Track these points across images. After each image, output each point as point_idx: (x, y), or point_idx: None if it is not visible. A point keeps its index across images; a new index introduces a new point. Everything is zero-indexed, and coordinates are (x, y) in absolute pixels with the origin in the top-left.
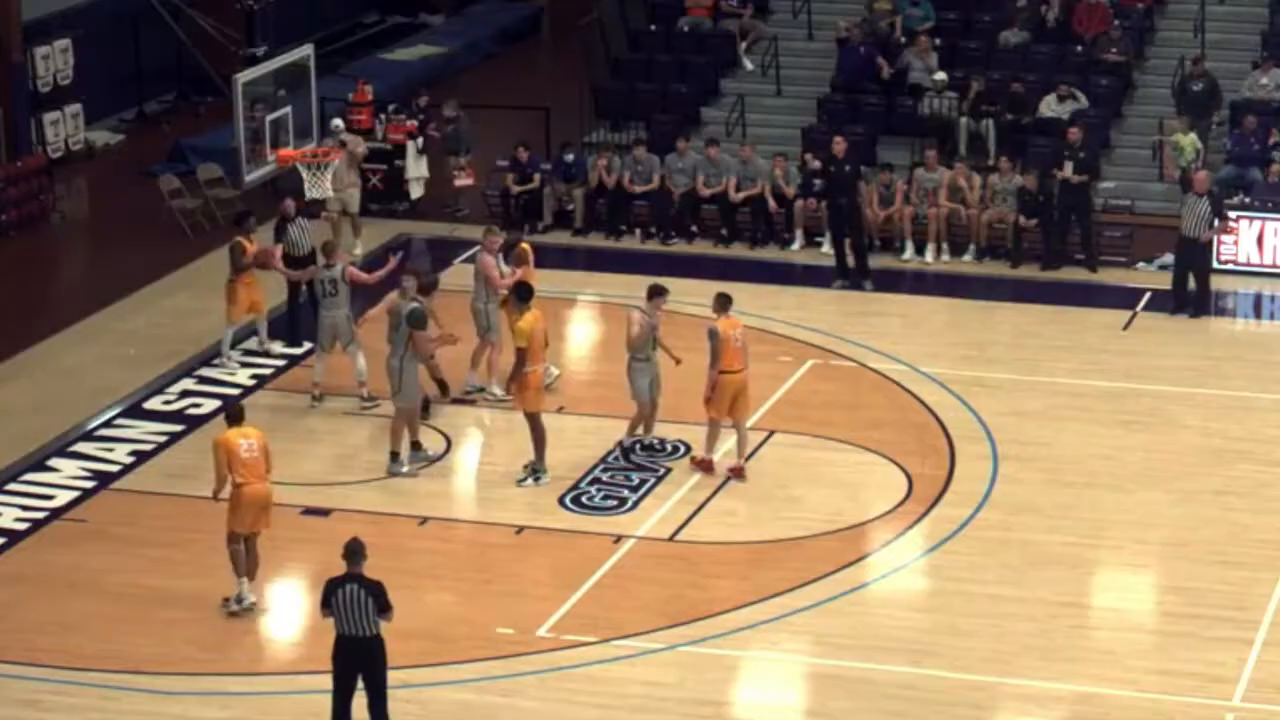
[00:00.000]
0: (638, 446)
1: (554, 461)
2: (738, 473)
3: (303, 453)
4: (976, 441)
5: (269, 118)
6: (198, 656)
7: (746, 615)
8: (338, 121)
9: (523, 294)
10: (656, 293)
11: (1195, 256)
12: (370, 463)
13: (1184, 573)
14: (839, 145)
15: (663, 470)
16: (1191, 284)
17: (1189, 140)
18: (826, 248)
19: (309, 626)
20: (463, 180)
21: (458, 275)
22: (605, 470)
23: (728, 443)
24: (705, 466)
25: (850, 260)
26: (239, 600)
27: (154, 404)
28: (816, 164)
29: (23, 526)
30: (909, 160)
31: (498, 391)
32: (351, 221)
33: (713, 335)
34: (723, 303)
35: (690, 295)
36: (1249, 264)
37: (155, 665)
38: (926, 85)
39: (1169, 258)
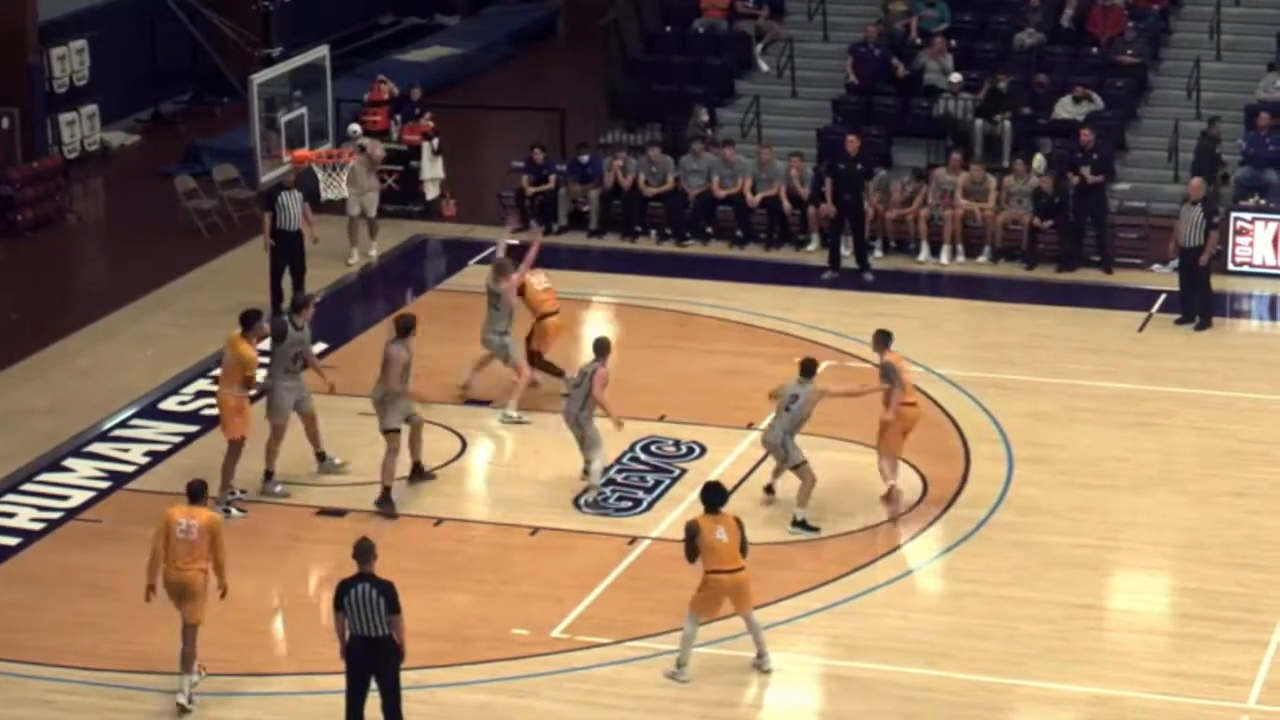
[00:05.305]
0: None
1: (567, 461)
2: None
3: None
4: (991, 443)
5: (285, 118)
6: (212, 657)
7: (761, 617)
8: (355, 127)
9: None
10: (812, 370)
11: (1193, 265)
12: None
13: (1199, 575)
14: (852, 143)
15: (677, 472)
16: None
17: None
18: (814, 245)
19: (324, 627)
20: (447, 209)
21: (473, 277)
22: (620, 471)
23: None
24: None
25: (849, 254)
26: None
27: (170, 404)
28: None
29: (38, 526)
30: (924, 161)
31: (513, 413)
32: (369, 225)
33: (890, 370)
34: (885, 339)
35: (706, 297)
36: (1264, 266)
37: (170, 665)
38: (942, 86)
39: None
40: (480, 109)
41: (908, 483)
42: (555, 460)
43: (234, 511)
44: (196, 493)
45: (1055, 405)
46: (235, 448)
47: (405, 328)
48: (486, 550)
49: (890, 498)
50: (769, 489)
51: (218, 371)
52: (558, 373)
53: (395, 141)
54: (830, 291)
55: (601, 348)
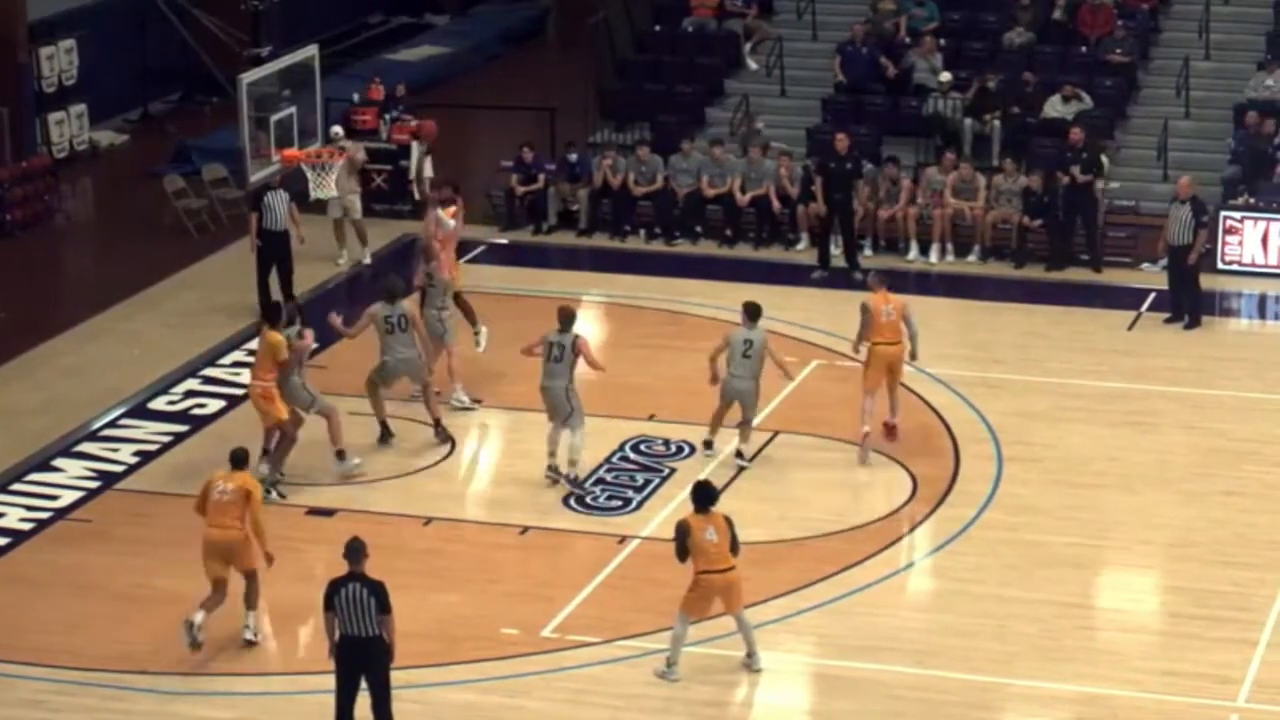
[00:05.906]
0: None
1: (559, 461)
2: (892, 431)
3: (308, 453)
4: (981, 442)
5: (274, 118)
6: (203, 657)
7: (751, 616)
8: (337, 129)
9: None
10: (758, 314)
11: (1182, 264)
12: (378, 463)
13: (1189, 573)
14: (841, 142)
15: (667, 470)
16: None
17: None
18: (804, 244)
19: (314, 627)
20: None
21: (464, 276)
22: (610, 470)
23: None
24: (868, 439)
25: (839, 253)
26: (192, 626)
27: (159, 404)
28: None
29: (27, 527)
30: (914, 160)
31: (465, 399)
32: (356, 228)
33: (863, 310)
34: (879, 279)
35: (695, 296)
36: (1253, 265)
37: (160, 665)
38: (931, 86)
39: None
40: (469, 108)
41: (897, 482)
42: (545, 460)
43: (274, 494)
44: (239, 460)
45: (1045, 404)
46: (286, 432)
47: (396, 293)
48: (476, 550)
49: (863, 443)
50: (709, 444)
51: (208, 371)
52: (469, 312)
53: (385, 141)
54: (820, 290)
55: (569, 318)
